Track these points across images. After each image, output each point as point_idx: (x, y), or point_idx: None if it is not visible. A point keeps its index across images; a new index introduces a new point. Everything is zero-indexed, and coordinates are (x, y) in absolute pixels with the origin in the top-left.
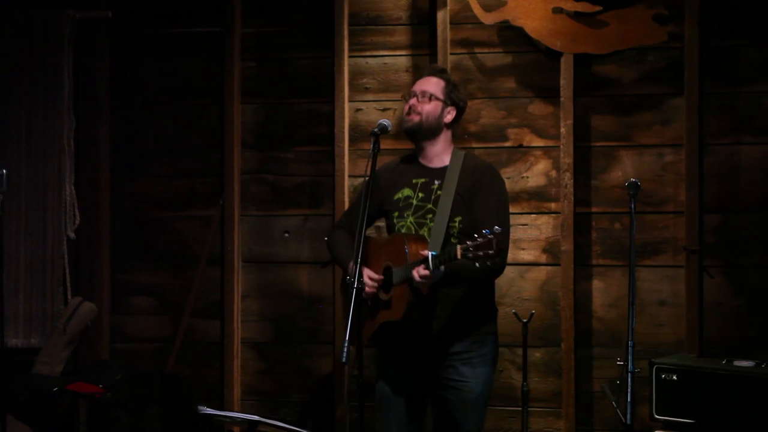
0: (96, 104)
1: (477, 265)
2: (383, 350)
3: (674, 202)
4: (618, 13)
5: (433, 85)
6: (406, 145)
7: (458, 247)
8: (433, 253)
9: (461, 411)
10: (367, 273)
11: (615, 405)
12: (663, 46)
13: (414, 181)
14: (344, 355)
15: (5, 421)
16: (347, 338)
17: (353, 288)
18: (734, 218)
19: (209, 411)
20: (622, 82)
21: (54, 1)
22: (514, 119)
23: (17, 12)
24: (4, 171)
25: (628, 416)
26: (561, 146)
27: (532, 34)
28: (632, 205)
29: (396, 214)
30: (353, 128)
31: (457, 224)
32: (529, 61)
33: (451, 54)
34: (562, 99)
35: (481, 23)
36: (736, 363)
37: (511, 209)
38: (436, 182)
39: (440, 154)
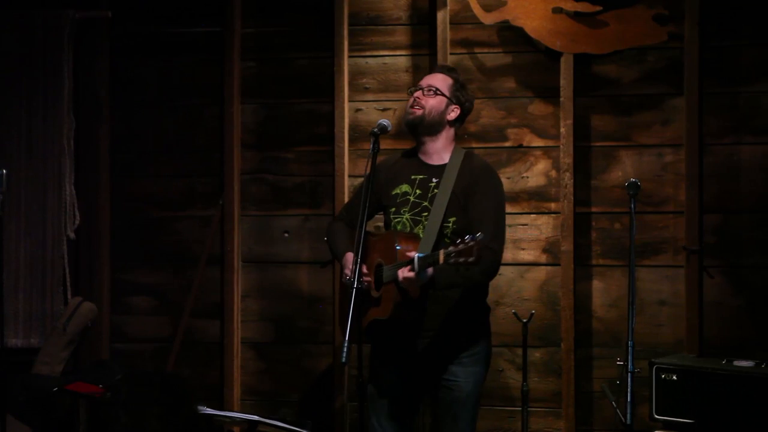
0: (96, 104)
1: (458, 271)
2: (374, 348)
3: (674, 202)
4: (618, 13)
5: (440, 80)
6: (406, 146)
7: (441, 251)
8: (419, 255)
9: (453, 410)
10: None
11: (615, 405)
12: (663, 46)
13: (412, 177)
14: (344, 355)
15: (5, 421)
16: (347, 338)
17: (353, 288)
18: (734, 218)
19: (209, 411)
20: (622, 82)
21: (54, 1)
22: (514, 119)
23: (17, 12)
24: (4, 171)
25: (628, 416)
26: (561, 146)
27: (532, 34)
28: (632, 205)
29: (393, 210)
30: (353, 128)
31: (451, 224)
32: (529, 61)
33: (450, 54)
34: (562, 99)
35: (481, 23)
36: (736, 363)
37: (511, 209)
38: (434, 180)
39: (440, 151)
